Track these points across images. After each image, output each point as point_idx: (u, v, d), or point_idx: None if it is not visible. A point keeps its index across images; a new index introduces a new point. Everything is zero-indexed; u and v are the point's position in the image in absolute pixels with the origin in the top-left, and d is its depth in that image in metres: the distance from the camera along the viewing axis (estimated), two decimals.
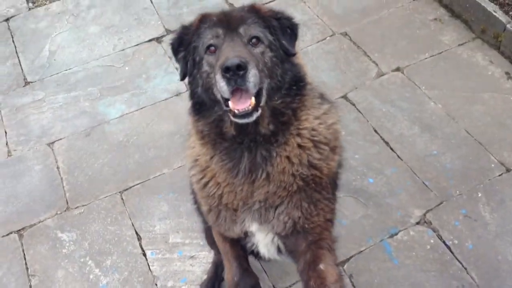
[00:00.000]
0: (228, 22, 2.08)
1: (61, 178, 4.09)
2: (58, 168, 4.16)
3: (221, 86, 1.91)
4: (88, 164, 4.17)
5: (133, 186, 4.02)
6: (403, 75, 4.46)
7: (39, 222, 3.81)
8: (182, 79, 2.20)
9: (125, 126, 4.44)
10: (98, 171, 4.12)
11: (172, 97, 4.61)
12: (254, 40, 2.04)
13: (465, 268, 3.27)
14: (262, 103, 2.02)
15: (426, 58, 4.56)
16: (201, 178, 2.28)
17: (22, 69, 4.98)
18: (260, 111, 1.99)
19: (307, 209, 2.21)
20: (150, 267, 3.51)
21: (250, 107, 1.93)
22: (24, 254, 3.61)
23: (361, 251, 3.44)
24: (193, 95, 2.15)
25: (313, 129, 2.16)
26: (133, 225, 3.76)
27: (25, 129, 4.50)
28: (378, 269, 3.34)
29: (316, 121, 2.17)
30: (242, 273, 2.44)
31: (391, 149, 4.00)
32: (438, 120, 4.11)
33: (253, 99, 1.95)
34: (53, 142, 4.37)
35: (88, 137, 4.39)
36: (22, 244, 3.67)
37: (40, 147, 4.34)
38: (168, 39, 2.36)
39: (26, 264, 3.56)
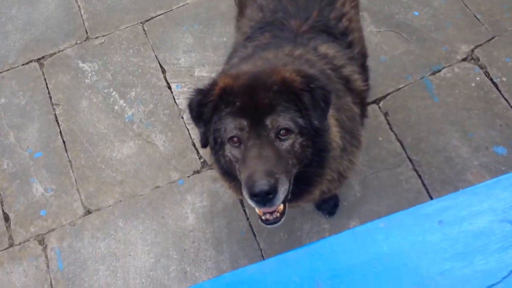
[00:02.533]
0: (254, 110, 1.78)
1: (79, 6, 3.81)
2: None
3: (250, 203, 1.78)
4: None
5: (155, 16, 3.73)
6: None
7: (58, 51, 3.62)
8: (204, 147, 1.99)
9: None
10: None
11: None
12: (282, 132, 1.79)
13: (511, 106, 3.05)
14: (289, 194, 1.87)
15: None
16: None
17: None
18: (286, 210, 1.91)
19: None
20: (176, 100, 3.38)
21: (278, 214, 1.87)
22: (47, 83, 3.49)
23: (399, 88, 3.22)
24: (217, 162, 2.01)
25: (328, 188, 2.14)
26: (156, 57, 3.56)
27: None
28: (417, 106, 3.15)
29: (334, 183, 2.13)
30: None
31: None
32: None
33: (281, 205, 1.86)
34: None
35: None
36: (43, 73, 3.54)
37: None
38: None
39: (49, 93, 3.46)
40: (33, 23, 3.77)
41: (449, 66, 3.24)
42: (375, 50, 3.37)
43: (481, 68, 3.20)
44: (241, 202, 2.98)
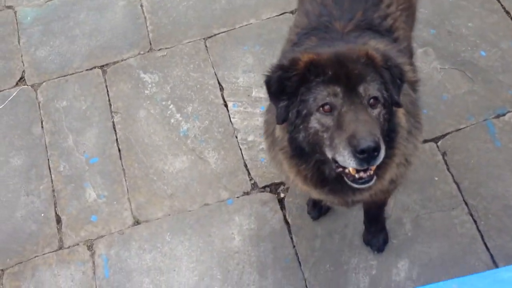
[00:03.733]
0: (346, 78, 1.84)
1: (145, 17, 3.90)
2: (142, 6, 3.95)
3: (348, 163, 1.79)
4: (172, 4, 3.93)
5: (218, 34, 3.78)
6: None
7: (122, 60, 3.71)
8: (280, 123, 1.97)
9: None
10: (183, 13, 3.89)
11: None
12: (372, 101, 1.87)
13: None
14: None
15: None
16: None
17: None
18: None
19: None
20: (231, 119, 3.40)
21: (372, 172, 1.88)
22: (108, 90, 3.58)
23: (460, 129, 3.14)
24: (293, 140, 1.97)
25: (395, 175, 2.18)
26: (215, 74, 3.59)
27: None
28: (477, 149, 3.06)
29: (399, 169, 2.17)
30: (312, 207, 2.93)
31: None
32: None
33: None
34: None
35: None
36: (105, 80, 3.63)
37: None
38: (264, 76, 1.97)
39: (109, 100, 3.54)
40: (100, 30, 3.88)
41: None
42: (437, 87, 3.31)
43: None
44: (289, 229, 2.97)
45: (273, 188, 3.11)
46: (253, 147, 3.27)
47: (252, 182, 3.14)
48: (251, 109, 3.43)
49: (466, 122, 3.17)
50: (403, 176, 2.27)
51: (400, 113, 2.08)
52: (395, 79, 1.94)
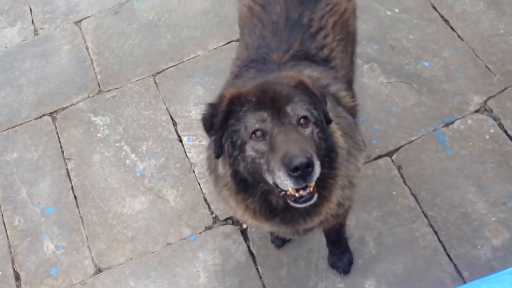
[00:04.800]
0: (272, 101, 1.87)
1: (91, 59, 3.86)
2: (87, 48, 3.92)
3: (286, 184, 1.79)
4: (118, 44, 3.91)
5: (166, 69, 3.77)
6: None
7: (71, 105, 3.66)
8: (217, 158, 2.03)
9: (155, 3, 4.10)
10: (129, 52, 3.87)
11: None
12: (302, 121, 1.89)
13: None
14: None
15: None
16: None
17: None
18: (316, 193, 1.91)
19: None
20: (187, 153, 3.37)
21: (311, 188, 1.87)
22: (59, 137, 3.51)
23: (412, 141, 3.19)
24: (235, 174, 1.98)
25: (342, 197, 2.19)
26: (167, 109, 3.57)
27: (51, 6, 4.23)
28: (430, 160, 3.11)
29: (344, 191, 2.18)
30: (274, 237, 2.88)
31: (451, 28, 3.56)
32: None
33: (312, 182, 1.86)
34: (80, 20, 4.10)
35: (116, 15, 4.08)
36: (55, 127, 3.56)
37: (67, 26, 4.08)
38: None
39: (61, 147, 3.47)
40: (46, 77, 3.82)
41: (462, 117, 3.22)
42: (386, 101, 3.37)
43: (495, 119, 3.17)
44: (254, 260, 2.94)
45: (235, 220, 3.07)
46: (210, 181, 3.24)
47: (213, 215, 3.11)
48: (206, 142, 3.40)
49: (417, 133, 3.22)
50: (350, 199, 2.29)
51: (338, 135, 2.12)
52: (323, 99, 2.01)
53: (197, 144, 3.40)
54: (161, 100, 3.62)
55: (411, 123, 3.26)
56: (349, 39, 2.60)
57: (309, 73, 2.26)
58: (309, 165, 1.73)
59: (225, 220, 3.09)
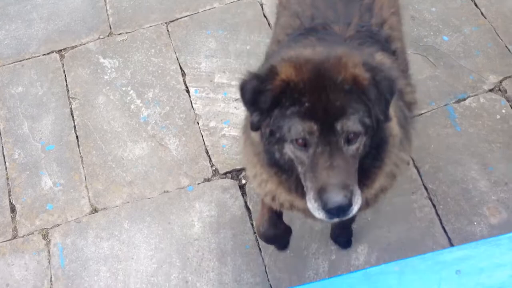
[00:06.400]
0: (324, 113, 1.64)
1: (105, 1, 3.79)
2: None
3: (318, 214, 1.67)
4: None
5: (181, 18, 3.70)
6: None
7: (80, 45, 3.61)
8: (254, 130, 1.80)
9: None
10: None
11: None
12: (351, 136, 1.68)
13: None
14: None
15: None
16: (266, 195, 2.08)
17: None
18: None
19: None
20: (193, 104, 3.34)
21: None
22: (65, 76, 3.48)
23: (421, 114, 3.14)
24: (270, 155, 1.80)
25: (384, 187, 2.02)
26: (177, 59, 3.52)
27: None
28: (437, 134, 3.07)
29: (387, 180, 2.01)
30: (269, 227, 2.45)
31: (475, 4, 3.48)
32: None
33: None
34: None
35: None
36: (63, 65, 3.52)
37: None
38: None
39: (67, 86, 3.44)
40: (58, 14, 3.76)
41: (475, 95, 3.16)
42: None
43: (508, 100, 3.12)
44: (249, 215, 2.93)
45: (235, 174, 3.07)
46: (214, 133, 3.22)
47: (213, 168, 3.09)
48: (213, 95, 3.37)
49: (427, 107, 3.17)
50: (388, 188, 2.11)
51: (393, 124, 1.91)
52: (384, 94, 1.73)
53: (204, 96, 3.37)
54: (172, 49, 3.57)
55: (423, 96, 3.19)
56: (399, 13, 2.43)
57: (381, 60, 2.04)
58: (347, 206, 1.62)
59: (225, 174, 3.07)
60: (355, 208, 1.64)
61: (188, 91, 3.40)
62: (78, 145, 3.20)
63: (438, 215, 2.84)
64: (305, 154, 1.69)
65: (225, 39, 3.59)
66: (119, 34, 3.65)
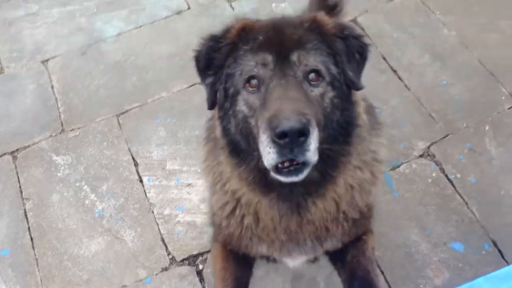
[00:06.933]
0: (280, 44, 1.53)
1: (56, 99, 3.95)
2: (52, 87, 4.01)
3: (268, 153, 1.44)
4: (84, 84, 4.02)
5: (130, 109, 3.88)
6: None
7: (33, 144, 3.71)
8: (210, 108, 1.72)
9: (122, 45, 4.25)
10: (94, 92, 3.98)
11: (172, 15, 4.39)
12: (312, 76, 1.55)
13: (466, 203, 3.21)
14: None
15: None
16: (227, 205, 1.97)
17: None
18: (311, 165, 1.55)
19: (355, 232, 2.12)
20: (147, 193, 3.46)
21: (301, 163, 1.53)
22: (18, 177, 3.55)
23: None
24: (225, 133, 1.69)
25: (359, 180, 1.92)
26: (129, 150, 3.67)
27: (18, 45, 4.33)
28: (378, 201, 3.24)
29: (363, 172, 1.91)
30: None
31: (399, 78, 3.82)
32: (450, 49, 3.90)
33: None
34: (47, 60, 4.20)
35: (84, 56, 4.20)
36: (16, 167, 3.60)
37: (33, 65, 4.19)
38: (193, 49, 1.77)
39: (20, 187, 3.51)
40: (9, 116, 3.88)
41: (407, 162, 3.42)
42: None
43: (437, 164, 3.39)
44: None
45: (191, 260, 3.15)
46: (169, 221, 3.32)
47: (170, 256, 3.17)
48: (166, 182, 3.51)
49: None
50: (370, 185, 1.98)
51: (361, 107, 1.79)
52: (353, 53, 1.61)
53: (157, 184, 3.50)
54: (123, 140, 3.72)
55: None
56: None
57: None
58: (302, 133, 1.38)
59: (182, 261, 3.15)
60: (311, 144, 1.40)
61: (141, 181, 3.52)
62: (33, 247, 3.23)
63: (387, 282, 2.98)
64: (257, 96, 1.52)
65: (174, 126, 3.77)
66: (71, 130, 3.78)
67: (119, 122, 3.82)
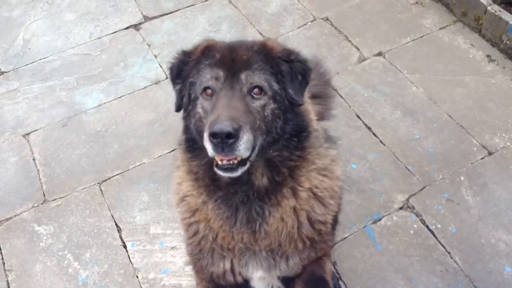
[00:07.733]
0: (231, 63, 1.87)
1: (38, 170, 3.97)
2: (34, 159, 4.04)
3: (207, 147, 1.77)
4: (65, 155, 4.06)
5: (112, 176, 3.92)
6: (385, 60, 4.42)
7: (15, 216, 3.69)
8: (177, 111, 2.04)
9: (103, 116, 4.34)
10: (76, 162, 4.02)
11: (151, 85, 4.52)
12: (256, 90, 1.85)
13: (449, 252, 3.26)
14: (252, 158, 1.87)
15: (407, 42, 4.53)
16: (190, 217, 2.18)
17: None
18: (248, 165, 1.85)
19: (316, 253, 2.23)
20: (131, 259, 3.43)
21: (236, 161, 1.80)
22: (0, 248, 3.50)
23: (345, 238, 3.41)
24: (186, 131, 2.01)
25: (317, 187, 2.07)
26: (112, 216, 3.67)
27: (0, 120, 4.37)
28: (362, 255, 3.31)
29: (320, 177, 2.07)
30: None
31: (374, 134, 3.96)
32: (420, 104, 4.09)
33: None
34: (28, 133, 4.25)
35: (65, 128, 4.27)
36: None
37: (15, 139, 4.22)
38: (170, 60, 2.11)
39: (2, 259, 3.45)
40: None
41: (388, 214, 3.49)
42: None
43: (417, 216, 3.46)
44: None
45: None
46: (154, 285, 3.29)
47: None
48: (150, 247, 3.50)
49: (349, 230, 3.45)
50: (330, 197, 2.11)
51: (312, 116, 2.04)
52: (296, 74, 1.90)
53: (141, 249, 3.48)
54: (106, 207, 3.72)
55: (344, 220, 3.48)
56: None
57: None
58: (230, 135, 1.68)
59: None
60: (241, 145, 1.70)
61: (125, 246, 3.50)
62: None
63: None
64: (210, 102, 1.85)
65: (156, 191, 3.81)
66: (53, 200, 3.78)
67: (101, 190, 3.84)
